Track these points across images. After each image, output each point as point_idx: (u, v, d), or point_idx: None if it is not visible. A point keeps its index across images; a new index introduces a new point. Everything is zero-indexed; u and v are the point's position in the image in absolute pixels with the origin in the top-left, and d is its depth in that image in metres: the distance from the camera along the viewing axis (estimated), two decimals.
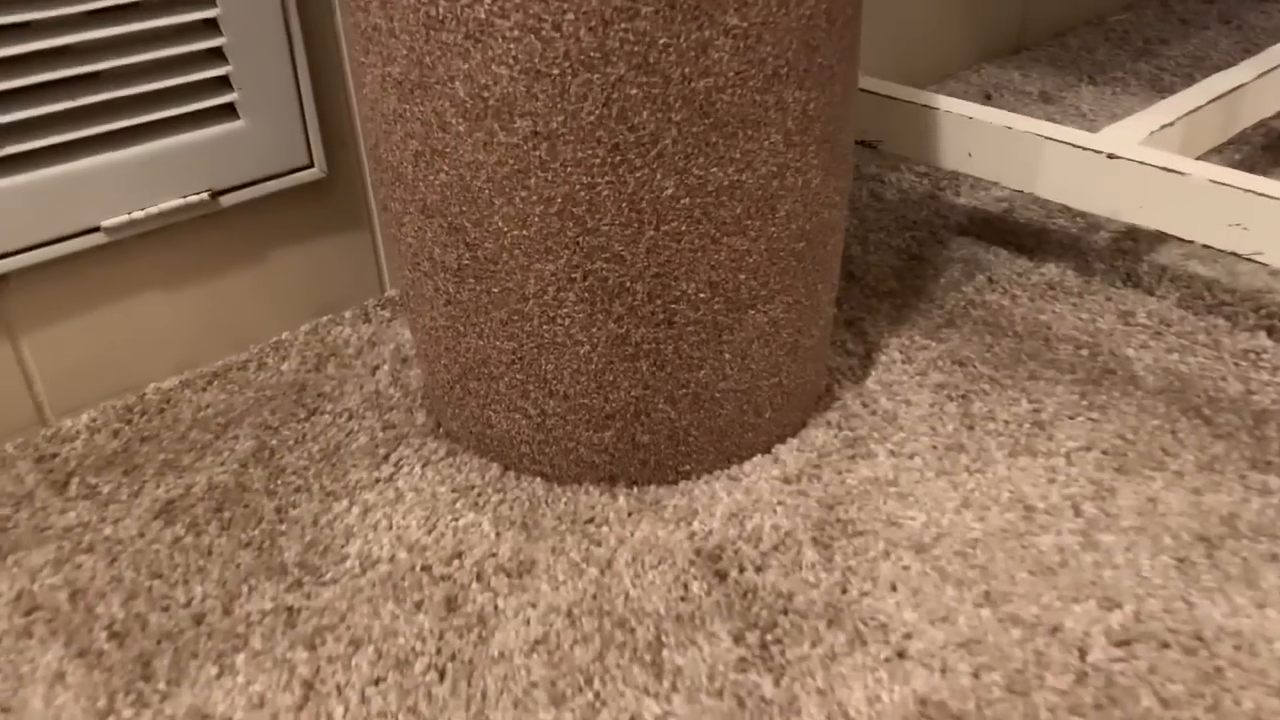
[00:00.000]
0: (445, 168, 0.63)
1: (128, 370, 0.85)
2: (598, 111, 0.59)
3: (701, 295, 0.66)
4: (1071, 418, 0.79)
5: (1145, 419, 0.78)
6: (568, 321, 0.66)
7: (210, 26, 0.79)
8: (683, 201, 0.62)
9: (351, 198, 0.92)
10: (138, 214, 0.80)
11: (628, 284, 0.65)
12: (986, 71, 1.45)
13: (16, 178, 0.75)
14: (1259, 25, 1.58)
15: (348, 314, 0.94)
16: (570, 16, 0.57)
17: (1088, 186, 0.87)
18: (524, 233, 0.64)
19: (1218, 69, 1.31)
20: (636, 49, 0.58)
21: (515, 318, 0.67)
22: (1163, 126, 0.89)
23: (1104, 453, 0.75)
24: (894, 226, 1.06)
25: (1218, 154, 1.18)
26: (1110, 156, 0.85)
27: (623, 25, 0.57)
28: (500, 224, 0.64)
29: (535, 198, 0.62)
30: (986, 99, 1.36)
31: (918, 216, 1.08)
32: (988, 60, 1.49)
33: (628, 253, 0.64)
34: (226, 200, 0.84)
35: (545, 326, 0.67)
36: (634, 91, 0.59)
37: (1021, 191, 1.12)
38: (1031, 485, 0.73)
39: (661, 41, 0.58)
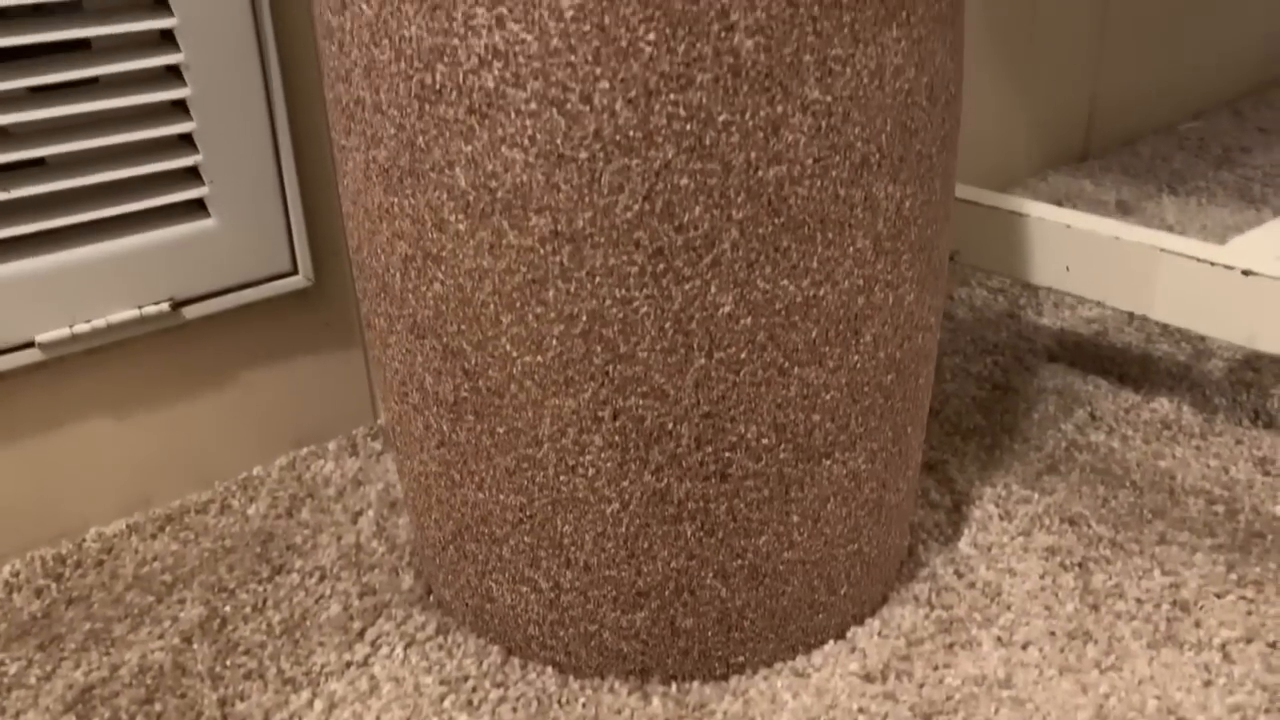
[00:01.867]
0: (440, 276, 0.50)
1: (64, 511, 0.71)
2: (637, 207, 0.46)
3: (764, 441, 0.52)
4: (1220, 596, 0.63)
5: None
6: (592, 472, 0.52)
7: (178, 108, 0.67)
8: (743, 322, 0.48)
9: (342, 311, 0.79)
10: (81, 328, 0.67)
11: (670, 426, 0.50)
12: (1054, 180, 1.32)
13: None
14: None
15: (332, 445, 0.80)
16: (604, 85, 0.44)
17: (1216, 308, 0.73)
18: (538, 359, 0.50)
19: None
20: (689, 128, 0.44)
21: (525, 465, 0.53)
22: None
23: (1270, 645, 0.59)
24: (971, 350, 0.91)
25: None
26: (1245, 273, 0.71)
27: (671, 97, 0.44)
28: (508, 347, 0.50)
29: (553, 315, 0.48)
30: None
31: (997, 338, 0.93)
32: (1053, 168, 1.37)
33: (671, 386, 0.49)
34: (191, 312, 0.71)
35: (563, 477, 0.52)
36: (684, 181, 0.45)
37: (1124, 312, 0.98)
38: (1184, 690, 0.56)
39: (721, 119, 0.44)
